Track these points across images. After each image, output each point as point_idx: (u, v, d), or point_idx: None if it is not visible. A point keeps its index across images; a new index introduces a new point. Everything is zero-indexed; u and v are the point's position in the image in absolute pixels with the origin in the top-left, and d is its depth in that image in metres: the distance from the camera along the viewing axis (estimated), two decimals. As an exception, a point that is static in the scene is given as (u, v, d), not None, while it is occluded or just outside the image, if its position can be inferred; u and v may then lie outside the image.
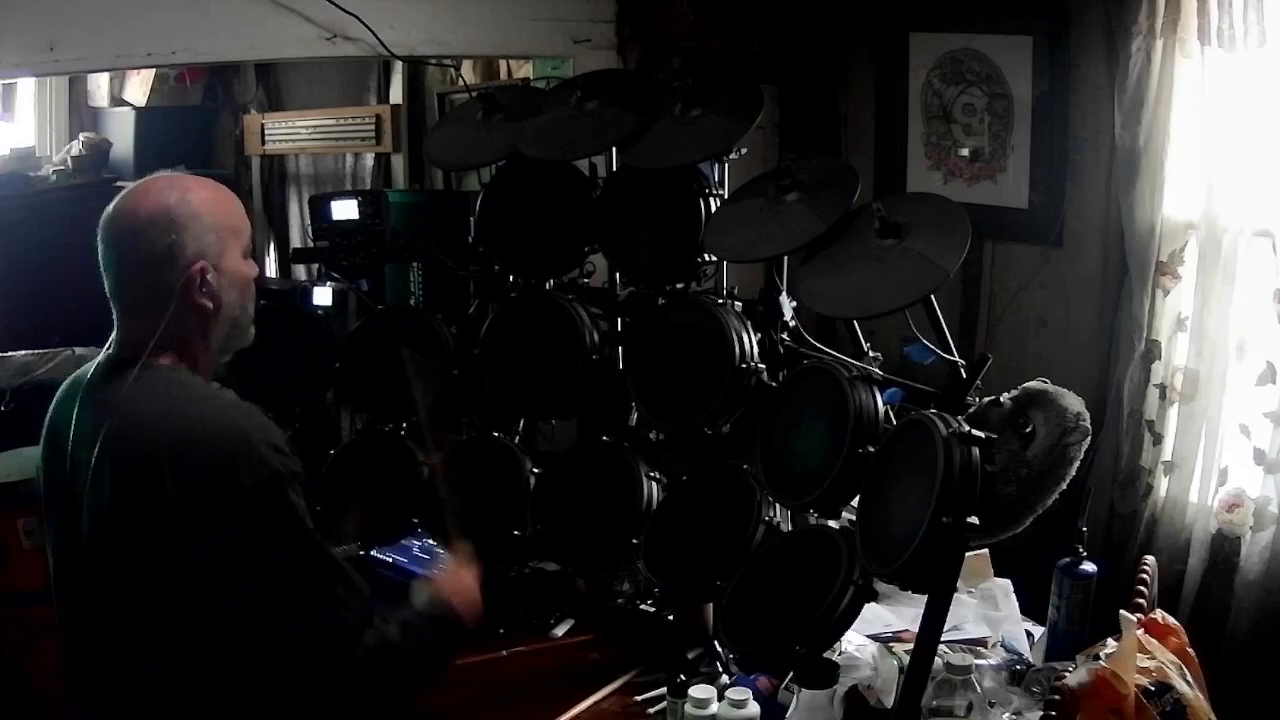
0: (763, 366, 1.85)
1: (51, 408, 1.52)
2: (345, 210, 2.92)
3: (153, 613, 1.37)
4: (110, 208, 1.44)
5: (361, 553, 2.17)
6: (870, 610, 1.74)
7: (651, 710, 1.80)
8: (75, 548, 1.42)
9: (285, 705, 1.42)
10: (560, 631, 2.08)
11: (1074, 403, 1.61)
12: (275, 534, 1.36)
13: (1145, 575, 1.76)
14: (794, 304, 1.90)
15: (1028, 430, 1.60)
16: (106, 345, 1.47)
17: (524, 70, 3.35)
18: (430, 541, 2.26)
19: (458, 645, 1.62)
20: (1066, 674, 1.51)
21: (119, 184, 4.09)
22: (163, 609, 1.37)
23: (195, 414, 1.39)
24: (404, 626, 1.48)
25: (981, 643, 1.88)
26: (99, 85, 4.38)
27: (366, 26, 2.50)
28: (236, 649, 1.38)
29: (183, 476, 1.33)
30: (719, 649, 1.87)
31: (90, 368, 1.49)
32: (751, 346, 1.85)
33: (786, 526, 1.88)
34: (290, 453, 1.40)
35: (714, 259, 1.96)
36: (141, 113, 4.25)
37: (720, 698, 1.64)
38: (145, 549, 1.36)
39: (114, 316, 1.46)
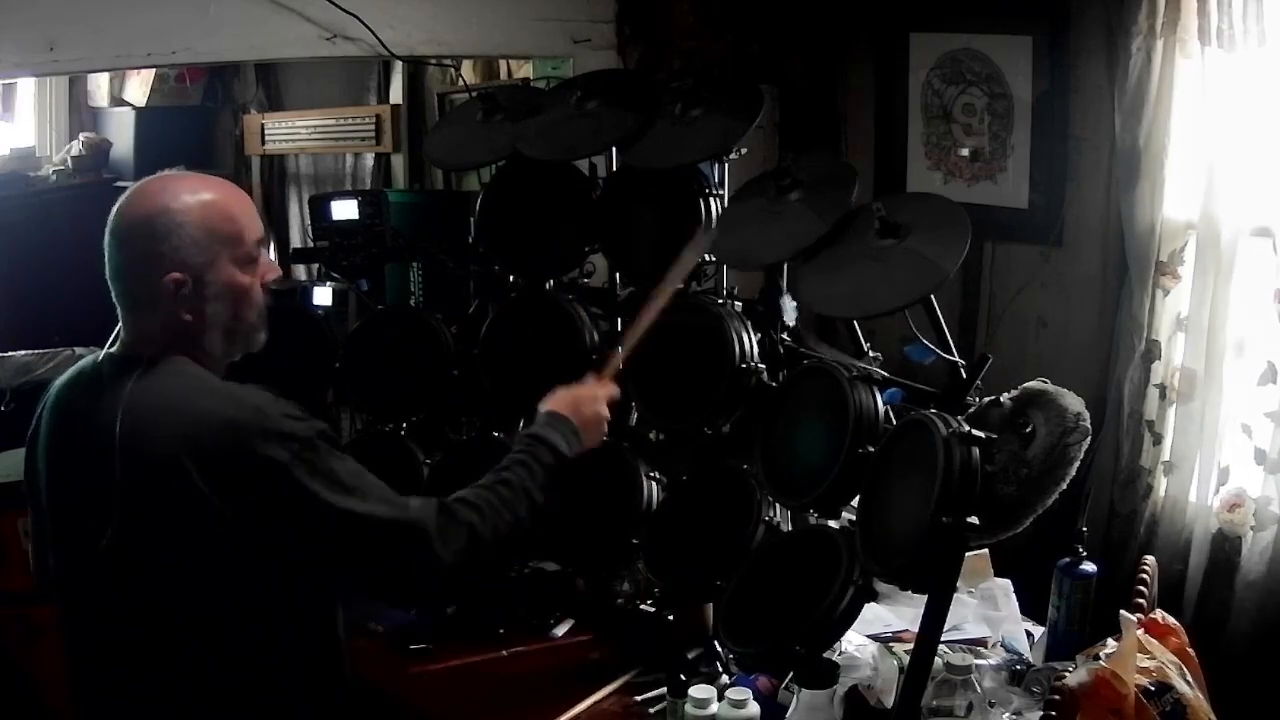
0: (763, 366, 1.85)
1: (50, 403, 1.49)
2: (345, 210, 2.91)
3: (192, 601, 1.37)
4: (115, 205, 1.42)
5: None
6: (870, 610, 1.74)
7: (651, 710, 1.80)
8: (88, 546, 1.40)
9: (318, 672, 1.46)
10: (560, 631, 2.07)
11: (1074, 403, 1.61)
12: (315, 497, 1.34)
13: (1145, 575, 1.76)
14: (795, 305, 1.90)
15: (1028, 430, 1.60)
16: (110, 341, 1.45)
17: (524, 70, 3.34)
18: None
19: (569, 460, 1.63)
20: (1066, 674, 1.51)
21: (119, 184, 4.09)
22: (202, 596, 1.37)
23: (207, 402, 1.36)
24: (500, 482, 1.52)
25: (981, 643, 1.88)
26: (99, 85, 4.38)
27: (366, 26, 2.50)
28: (286, 615, 1.40)
29: (209, 465, 1.31)
30: (719, 649, 1.86)
31: (91, 364, 1.46)
32: (751, 346, 1.85)
33: (786, 526, 1.87)
34: (307, 415, 1.38)
35: (714, 259, 1.96)
36: (141, 113, 4.25)
37: (720, 698, 1.64)
38: (177, 540, 1.35)
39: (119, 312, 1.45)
